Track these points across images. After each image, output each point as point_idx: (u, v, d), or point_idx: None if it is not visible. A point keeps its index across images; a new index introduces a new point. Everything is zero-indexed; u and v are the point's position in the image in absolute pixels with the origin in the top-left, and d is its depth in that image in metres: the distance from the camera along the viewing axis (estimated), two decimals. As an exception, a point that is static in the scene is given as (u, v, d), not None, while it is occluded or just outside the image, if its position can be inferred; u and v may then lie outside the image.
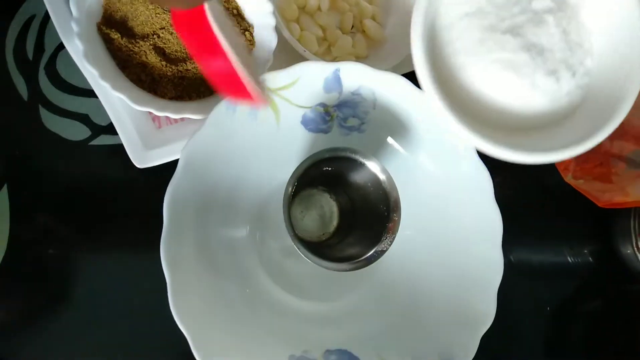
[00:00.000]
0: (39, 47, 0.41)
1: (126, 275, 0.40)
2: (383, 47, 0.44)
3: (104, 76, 0.32)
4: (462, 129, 0.31)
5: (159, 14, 0.35)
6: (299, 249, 0.32)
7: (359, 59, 0.43)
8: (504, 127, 0.33)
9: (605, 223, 0.45)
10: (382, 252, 0.33)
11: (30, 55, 0.41)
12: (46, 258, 0.40)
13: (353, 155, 0.33)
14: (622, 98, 0.31)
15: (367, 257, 0.33)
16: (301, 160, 0.39)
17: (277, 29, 0.37)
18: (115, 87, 0.33)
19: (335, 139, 0.40)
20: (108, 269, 0.40)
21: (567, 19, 0.33)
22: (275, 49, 0.38)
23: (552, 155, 0.31)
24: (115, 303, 0.39)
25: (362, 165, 0.33)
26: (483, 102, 0.33)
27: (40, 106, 0.41)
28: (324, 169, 0.35)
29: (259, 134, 0.37)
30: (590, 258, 0.45)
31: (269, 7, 0.36)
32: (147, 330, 0.39)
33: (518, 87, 0.32)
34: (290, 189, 0.31)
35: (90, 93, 0.38)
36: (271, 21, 0.36)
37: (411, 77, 0.43)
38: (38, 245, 0.40)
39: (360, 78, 0.37)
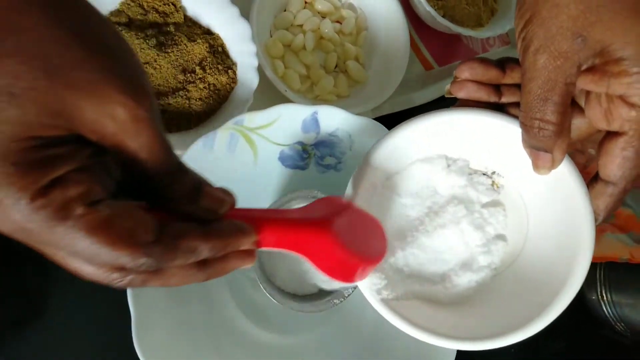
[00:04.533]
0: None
1: (97, 299, 0.40)
2: (365, 88, 0.45)
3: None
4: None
5: (143, 49, 0.36)
6: (264, 288, 0.33)
7: (340, 98, 0.45)
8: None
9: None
10: (345, 297, 0.34)
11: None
12: (23, 276, 0.40)
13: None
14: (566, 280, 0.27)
15: (329, 299, 0.34)
16: (279, 195, 0.39)
17: (259, 69, 0.38)
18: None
19: (312, 176, 0.40)
20: (80, 290, 0.40)
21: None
22: (258, 87, 0.39)
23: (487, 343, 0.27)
24: (86, 331, 0.40)
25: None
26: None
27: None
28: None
29: (236, 169, 0.37)
30: (557, 301, 0.46)
31: (252, 48, 0.38)
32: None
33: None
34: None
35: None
36: (254, 62, 0.37)
37: (391, 119, 0.45)
38: (16, 263, 0.40)
39: (337, 121, 0.38)
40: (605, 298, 0.43)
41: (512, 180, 0.31)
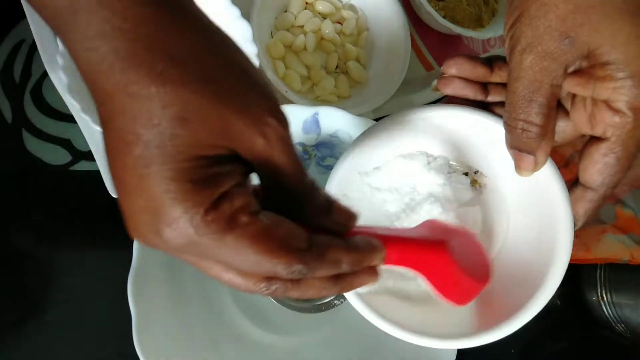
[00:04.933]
0: (27, 71, 0.42)
1: (97, 299, 0.40)
2: (365, 89, 0.45)
3: (85, 110, 0.33)
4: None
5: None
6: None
7: (341, 99, 0.45)
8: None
9: (575, 269, 0.46)
10: (345, 298, 0.34)
11: (17, 79, 0.42)
12: (21, 277, 0.40)
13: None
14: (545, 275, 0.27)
15: (329, 300, 0.34)
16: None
17: (260, 70, 0.38)
18: (95, 121, 0.33)
19: (312, 177, 0.41)
20: (80, 291, 0.40)
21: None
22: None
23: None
24: (86, 329, 0.40)
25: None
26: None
27: (23, 129, 0.41)
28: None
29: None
30: (558, 301, 0.47)
31: (253, 49, 0.38)
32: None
33: None
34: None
35: (73, 119, 0.38)
36: (255, 63, 0.37)
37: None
38: (16, 265, 0.40)
39: (338, 122, 0.38)
40: (605, 299, 0.43)
41: (495, 181, 0.31)
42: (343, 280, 0.20)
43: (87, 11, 0.16)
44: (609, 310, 0.43)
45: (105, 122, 0.17)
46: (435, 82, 0.28)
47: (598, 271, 0.45)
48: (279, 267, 0.18)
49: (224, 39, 0.19)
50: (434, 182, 0.30)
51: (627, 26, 0.21)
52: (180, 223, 0.17)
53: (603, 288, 0.44)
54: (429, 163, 0.30)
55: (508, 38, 0.24)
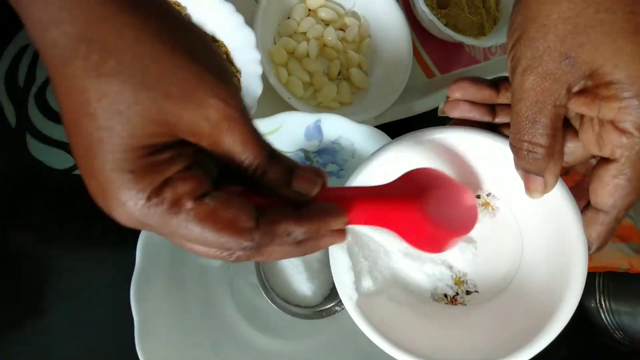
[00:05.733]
0: (31, 75, 0.42)
1: (99, 302, 0.40)
2: (367, 96, 0.46)
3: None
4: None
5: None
6: (265, 294, 0.33)
7: (343, 105, 0.45)
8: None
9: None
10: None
11: (21, 83, 0.42)
12: (21, 278, 0.40)
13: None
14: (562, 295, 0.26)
15: (330, 306, 0.34)
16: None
17: (263, 76, 0.38)
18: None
19: (314, 183, 0.41)
20: (80, 294, 0.40)
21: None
22: (261, 93, 0.39)
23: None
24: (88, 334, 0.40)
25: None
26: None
27: (27, 133, 0.41)
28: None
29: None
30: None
31: (257, 56, 0.38)
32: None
33: None
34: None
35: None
36: (258, 69, 0.38)
37: (393, 127, 0.45)
38: (16, 266, 0.40)
39: (340, 129, 0.38)
40: (604, 306, 0.44)
41: (508, 203, 0.30)
42: (305, 244, 0.21)
43: (41, 1, 0.17)
44: (608, 318, 0.44)
45: (60, 108, 0.18)
46: (441, 106, 0.28)
47: (597, 278, 0.45)
48: (229, 244, 0.19)
49: (175, 22, 0.19)
50: None
51: (628, 45, 0.21)
52: (125, 208, 0.18)
53: (602, 295, 0.44)
54: None
55: (509, 59, 0.24)
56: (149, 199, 0.18)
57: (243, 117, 0.19)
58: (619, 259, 0.40)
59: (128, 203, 0.18)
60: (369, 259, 0.29)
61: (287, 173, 0.21)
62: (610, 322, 0.43)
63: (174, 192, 0.18)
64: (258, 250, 0.20)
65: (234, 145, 0.19)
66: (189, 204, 0.18)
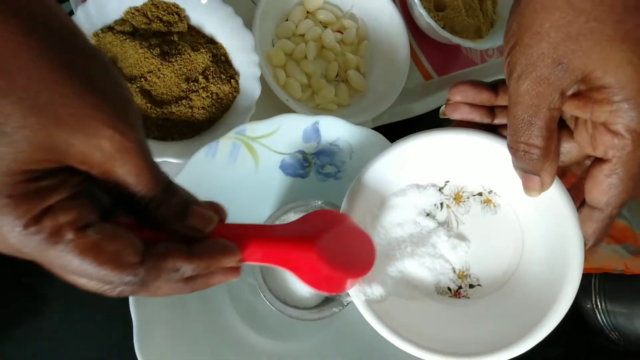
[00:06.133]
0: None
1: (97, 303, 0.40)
2: (365, 98, 0.46)
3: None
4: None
5: (147, 57, 0.36)
6: (263, 295, 0.33)
7: (341, 107, 0.45)
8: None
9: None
10: (344, 305, 0.34)
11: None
12: (20, 281, 0.40)
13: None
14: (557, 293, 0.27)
15: (329, 307, 0.34)
16: (279, 202, 0.40)
17: (261, 78, 0.38)
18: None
19: (312, 184, 0.41)
20: (80, 295, 0.40)
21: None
22: (259, 95, 0.39)
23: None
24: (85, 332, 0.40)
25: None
26: None
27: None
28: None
29: (238, 177, 0.38)
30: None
31: (255, 58, 0.38)
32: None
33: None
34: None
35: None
36: (256, 71, 0.38)
37: (390, 129, 0.45)
38: (14, 267, 0.40)
39: (338, 131, 0.38)
40: (600, 307, 0.44)
41: (508, 200, 0.31)
42: (195, 281, 0.21)
43: None
44: (603, 318, 0.44)
45: None
46: (443, 108, 0.29)
47: (593, 280, 0.45)
48: (111, 277, 0.18)
49: (78, 47, 0.18)
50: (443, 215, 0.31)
51: (617, 52, 0.22)
52: (2, 234, 0.17)
53: (597, 296, 0.45)
54: (440, 190, 0.31)
55: (506, 65, 0.25)
56: (26, 226, 0.17)
57: (139, 149, 0.19)
58: (615, 260, 0.40)
59: (3, 229, 0.17)
60: (379, 268, 0.30)
61: (181, 208, 0.20)
62: (606, 323, 0.44)
63: (54, 221, 0.17)
64: (143, 286, 0.19)
65: (127, 176, 0.19)
66: (69, 235, 0.17)
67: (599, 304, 0.45)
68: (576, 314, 0.47)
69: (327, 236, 0.25)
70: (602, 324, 0.44)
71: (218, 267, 0.21)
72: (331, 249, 0.25)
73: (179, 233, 0.20)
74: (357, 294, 0.28)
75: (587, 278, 0.46)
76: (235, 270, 0.22)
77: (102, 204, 0.19)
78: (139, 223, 0.20)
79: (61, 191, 0.18)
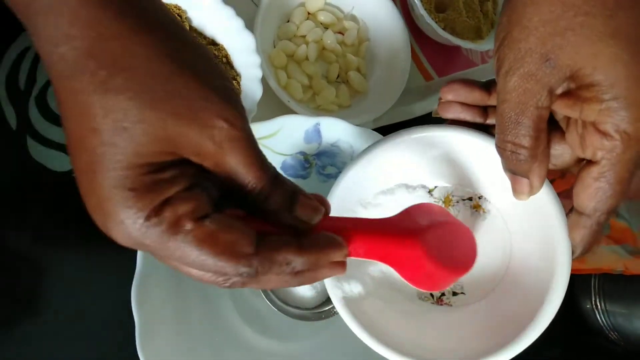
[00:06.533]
0: (31, 78, 0.42)
1: (98, 302, 0.41)
2: (366, 99, 0.46)
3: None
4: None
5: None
6: (265, 296, 0.33)
7: (341, 108, 0.45)
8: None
9: (570, 277, 0.47)
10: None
11: (22, 86, 0.42)
12: (20, 281, 0.40)
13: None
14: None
15: (329, 307, 0.35)
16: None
17: (263, 79, 0.39)
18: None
19: (313, 185, 0.41)
20: (79, 296, 0.41)
21: None
22: (261, 97, 0.39)
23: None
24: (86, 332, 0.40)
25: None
26: None
27: (27, 136, 0.42)
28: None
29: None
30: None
31: (256, 59, 0.38)
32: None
33: None
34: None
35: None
36: (258, 73, 0.38)
37: (391, 130, 0.45)
38: (15, 268, 0.40)
39: (339, 132, 0.38)
40: (599, 307, 0.44)
41: (498, 205, 0.31)
42: (303, 275, 0.21)
43: (42, 14, 0.17)
44: (603, 318, 0.44)
45: (63, 122, 0.18)
46: (436, 107, 0.28)
47: (592, 280, 0.46)
48: (226, 269, 0.18)
49: (182, 40, 0.19)
50: None
51: (607, 48, 0.21)
52: (123, 227, 0.18)
53: (597, 296, 0.45)
54: (429, 192, 0.31)
55: (495, 60, 0.24)
56: (148, 218, 0.17)
57: (248, 139, 0.19)
58: (614, 261, 0.40)
59: (126, 221, 0.17)
60: (360, 266, 0.29)
61: (289, 198, 0.20)
62: (605, 323, 0.44)
63: (173, 212, 0.18)
64: (255, 278, 0.19)
65: (237, 167, 0.19)
66: (188, 225, 0.18)
67: (598, 304, 0.45)
68: (576, 314, 0.47)
69: (431, 232, 0.24)
70: (602, 324, 0.44)
71: (326, 261, 0.21)
72: (436, 246, 0.24)
73: (287, 224, 0.20)
74: (335, 290, 0.27)
75: (586, 279, 0.46)
76: (342, 264, 0.22)
77: (214, 197, 0.19)
78: (246, 215, 0.20)
79: (179, 183, 0.18)
